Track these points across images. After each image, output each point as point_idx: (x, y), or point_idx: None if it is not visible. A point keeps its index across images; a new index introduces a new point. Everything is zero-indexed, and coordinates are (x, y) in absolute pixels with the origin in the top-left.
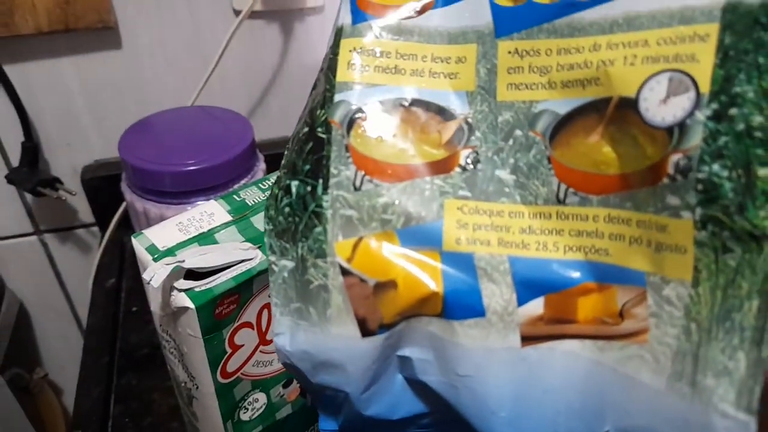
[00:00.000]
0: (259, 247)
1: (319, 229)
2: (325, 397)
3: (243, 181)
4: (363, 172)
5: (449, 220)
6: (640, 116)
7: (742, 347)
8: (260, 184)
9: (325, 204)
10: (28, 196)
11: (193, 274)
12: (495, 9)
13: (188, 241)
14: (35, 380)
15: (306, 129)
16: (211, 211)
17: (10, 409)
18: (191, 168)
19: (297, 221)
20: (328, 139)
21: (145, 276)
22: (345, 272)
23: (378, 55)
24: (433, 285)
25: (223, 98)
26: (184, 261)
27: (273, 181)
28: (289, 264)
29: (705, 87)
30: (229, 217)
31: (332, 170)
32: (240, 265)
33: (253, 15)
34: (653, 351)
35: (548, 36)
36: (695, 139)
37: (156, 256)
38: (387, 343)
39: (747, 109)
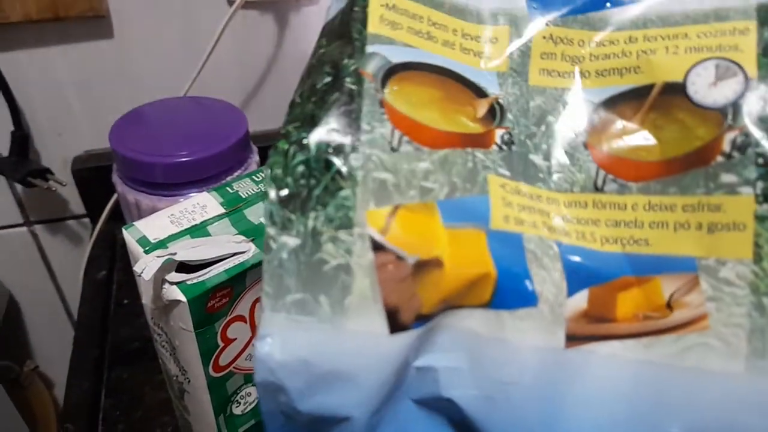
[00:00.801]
0: (252, 240)
1: (345, 192)
2: None
3: (236, 173)
4: (401, 132)
5: (495, 197)
6: (690, 99)
7: None
8: (254, 177)
9: (355, 163)
10: (18, 187)
11: (185, 267)
12: None
13: (180, 233)
14: (25, 372)
15: (328, 79)
16: (203, 203)
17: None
18: (183, 159)
19: (312, 184)
20: (359, 91)
21: (137, 268)
22: (377, 247)
23: (411, 16)
24: (484, 266)
25: (216, 89)
26: (176, 253)
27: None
28: (291, 242)
29: (753, 72)
30: (222, 210)
31: (364, 126)
32: (233, 258)
33: (247, 5)
34: (720, 335)
35: (582, 27)
36: (751, 117)
37: (147, 248)
38: (412, 347)
39: None
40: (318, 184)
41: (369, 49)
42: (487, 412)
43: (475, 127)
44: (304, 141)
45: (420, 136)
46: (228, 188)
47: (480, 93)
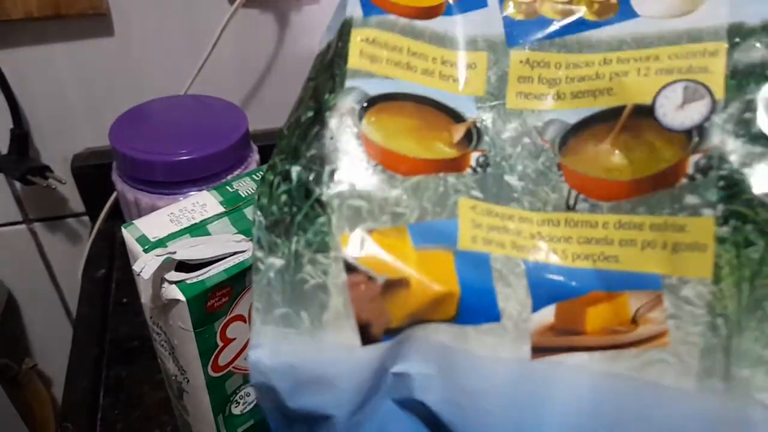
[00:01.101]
0: (251, 239)
1: (322, 219)
2: (297, 430)
3: (236, 172)
4: (375, 162)
5: (464, 219)
6: (658, 121)
7: None
8: (254, 175)
9: (331, 192)
10: (17, 184)
11: (184, 266)
12: (507, 21)
13: (180, 232)
14: (24, 371)
15: (311, 113)
16: (203, 202)
17: None
18: (183, 158)
19: (294, 212)
20: (338, 125)
21: (136, 267)
22: (350, 268)
23: (390, 49)
24: (449, 285)
25: (216, 87)
26: (175, 252)
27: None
28: (278, 262)
29: (720, 94)
30: (221, 209)
31: (341, 157)
32: (233, 257)
33: (248, 3)
34: (677, 352)
35: (558, 50)
36: (714, 139)
37: (147, 247)
38: (385, 356)
39: (760, 113)
40: (299, 211)
41: (348, 83)
42: (458, 417)
43: (451, 152)
44: (287, 172)
45: (394, 165)
46: (228, 187)
47: (458, 118)
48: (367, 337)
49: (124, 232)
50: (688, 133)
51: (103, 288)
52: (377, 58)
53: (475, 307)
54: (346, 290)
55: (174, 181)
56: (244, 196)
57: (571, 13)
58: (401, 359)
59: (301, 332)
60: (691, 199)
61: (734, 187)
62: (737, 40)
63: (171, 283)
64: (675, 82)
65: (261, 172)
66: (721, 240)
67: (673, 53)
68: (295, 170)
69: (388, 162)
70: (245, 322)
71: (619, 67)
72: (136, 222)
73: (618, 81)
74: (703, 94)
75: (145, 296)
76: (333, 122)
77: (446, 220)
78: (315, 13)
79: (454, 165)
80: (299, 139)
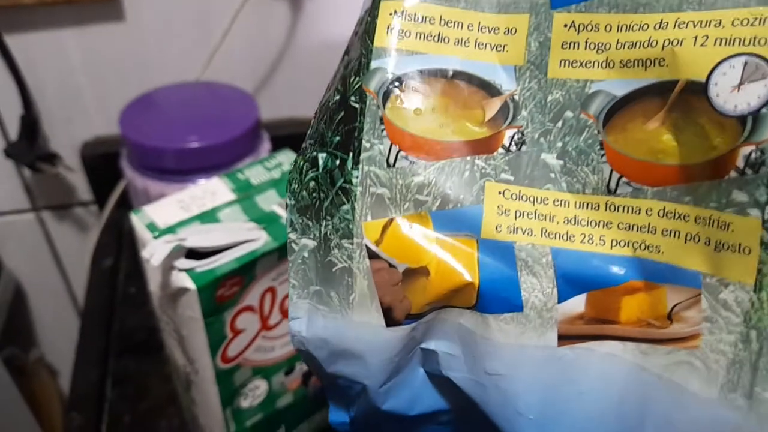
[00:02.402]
0: (263, 228)
1: (346, 207)
2: (338, 388)
3: (247, 161)
4: (398, 148)
5: (489, 205)
6: (710, 102)
7: None
8: (265, 163)
9: (354, 180)
10: (26, 172)
11: (194, 254)
12: None
13: (190, 219)
14: (31, 361)
15: (337, 97)
16: (214, 189)
17: (4, 388)
18: (194, 145)
19: (322, 197)
20: (362, 110)
21: (145, 254)
22: (372, 255)
23: (420, 20)
24: (468, 275)
25: (228, 75)
26: (185, 239)
27: (278, 159)
28: (311, 243)
29: None
30: (232, 196)
31: (364, 143)
32: (243, 245)
33: None
34: (705, 358)
35: (609, 10)
36: None
37: (156, 233)
38: (412, 335)
39: None
40: (326, 197)
41: (374, 64)
42: (482, 395)
43: (481, 132)
44: (315, 159)
45: (416, 150)
46: (239, 174)
47: (493, 91)
48: (390, 319)
49: (133, 218)
50: (741, 119)
51: (111, 278)
52: (406, 33)
53: (495, 297)
54: (370, 275)
55: (184, 168)
56: (255, 184)
57: None
58: (429, 337)
59: (332, 310)
60: (738, 196)
61: None
62: None
63: (180, 270)
64: (734, 56)
65: (272, 160)
66: (766, 245)
67: (738, 18)
68: (321, 157)
69: (411, 147)
70: (255, 313)
71: (675, 33)
72: (145, 208)
73: (671, 50)
74: (765, 73)
75: (154, 284)
76: (357, 107)
77: (471, 206)
78: (329, 1)
79: (485, 146)
80: (326, 125)
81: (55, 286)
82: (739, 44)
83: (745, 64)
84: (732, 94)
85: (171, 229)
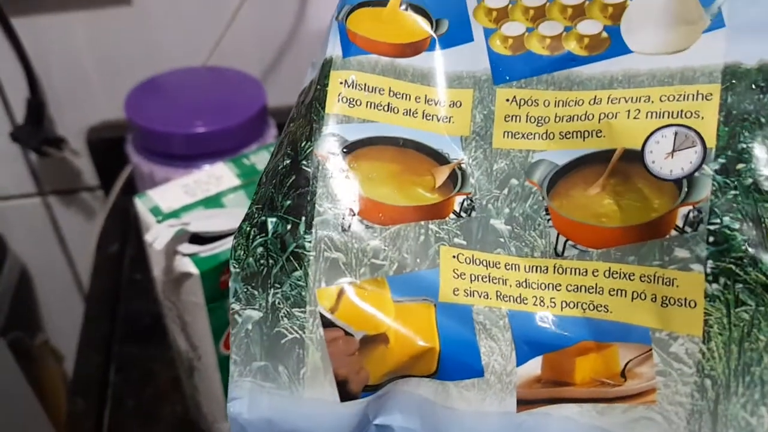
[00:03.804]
0: None
1: (298, 273)
2: None
3: (253, 146)
4: (353, 212)
5: (445, 269)
6: (647, 168)
7: (765, 402)
8: (271, 149)
9: (307, 244)
10: (33, 156)
11: (198, 239)
12: (493, 56)
13: (194, 204)
14: (36, 345)
15: (287, 161)
16: (219, 174)
17: (10, 371)
18: (200, 130)
19: (271, 264)
20: (314, 174)
21: (148, 238)
22: (327, 324)
23: (370, 90)
24: (429, 341)
25: (235, 60)
26: (189, 224)
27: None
28: (256, 314)
29: (711, 142)
30: (237, 181)
31: (318, 207)
32: None
33: None
34: (664, 411)
35: (546, 87)
36: (704, 191)
37: (160, 218)
38: (366, 411)
39: (753, 164)
40: (275, 264)
41: (325, 130)
42: None
43: (433, 197)
44: (263, 224)
45: (373, 214)
46: (245, 160)
47: (441, 160)
48: (345, 393)
49: (137, 202)
50: (677, 182)
51: (116, 264)
52: (356, 102)
53: (456, 363)
54: (324, 345)
55: (190, 154)
56: (260, 169)
57: (560, 48)
58: (384, 412)
59: (279, 386)
60: (680, 253)
61: (724, 244)
62: (732, 81)
63: (184, 255)
64: (665, 126)
65: None
66: (710, 297)
67: (665, 94)
68: (271, 221)
69: (366, 211)
70: None
71: (609, 108)
72: (149, 192)
73: (607, 123)
74: (694, 141)
75: (157, 269)
76: (309, 171)
77: (427, 270)
78: None
79: (437, 211)
80: (276, 189)
81: (61, 271)
82: (669, 117)
83: (675, 134)
84: (666, 161)
85: (175, 214)
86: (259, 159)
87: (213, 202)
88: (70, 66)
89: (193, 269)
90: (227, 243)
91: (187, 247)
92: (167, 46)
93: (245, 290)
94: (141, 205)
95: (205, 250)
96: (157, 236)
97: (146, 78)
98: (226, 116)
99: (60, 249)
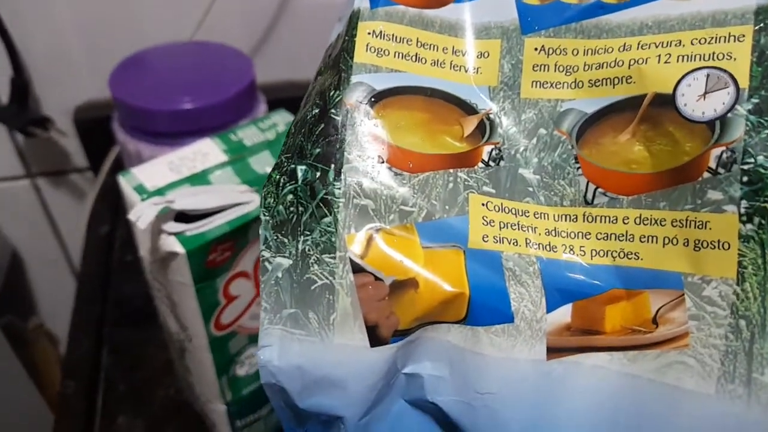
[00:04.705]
0: (256, 191)
1: (328, 219)
2: (309, 428)
3: (242, 123)
4: (382, 159)
5: (474, 216)
6: (679, 112)
7: None
8: (259, 124)
9: (337, 191)
10: (19, 138)
11: (184, 218)
12: (521, 6)
13: (180, 181)
14: (30, 329)
15: (316, 110)
16: (205, 151)
17: (3, 355)
18: (186, 106)
19: (301, 211)
20: (343, 122)
21: (132, 216)
22: (357, 269)
23: (398, 41)
24: (459, 286)
25: (223, 35)
26: (173, 201)
27: (273, 119)
28: (285, 262)
29: (744, 83)
30: (224, 158)
31: (347, 155)
32: (236, 208)
33: None
34: (697, 354)
35: (575, 35)
36: (738, 132)
37: (144, 196)
38: (395, 358)
39: None
40: (305, 211)
41: (354, 78)
42: (470, 417)
43: (461, 147)
44: (293, 171)
45: (402, 162)
46: (232, 135)
47: (469, 110)
48: (375, 338)
49: (121, 180)
50: (710, 124)
51: (107, 245)
52: (384, 52)
53: (486, 308)
54: (354, 291)
55: (177, 131)
56: (248, 145)
57: None
58: (413, 360)
59: (309, 333)
60: (713, 195)
61: (758, 183)
62: (766, 22)
63: (169, 234)
64: (697, 69)
65: (267, 121)
66: (745, 238)
67: (696, 38)
68: (300, 169)
69: (395, 159)
70: (249, 279)
71: (640, 54)
72: (133, 170)
73: (637, 68)
74: (726, 83)
75: (144, 249)
76: (338, 120)
77: (456, 217)
78: None
79: (465, 159)
80: (305, 138)
81: (52, 254)
82: (700, 59)
83: (708, 76)
84: (699, 103)
85: (159, 192)
86: (247, 134)
87: (199, 179)
88: (54, 43)
89: (179, 248)
90: (214, 221)
91: (172, 226)
92: (153, 21)
93: (275, 238)
94: (125, 183)
95: (192, 229)
96: (141, 215)
97: (131, 54)
98: (214, 92)
99: (51, 231)
